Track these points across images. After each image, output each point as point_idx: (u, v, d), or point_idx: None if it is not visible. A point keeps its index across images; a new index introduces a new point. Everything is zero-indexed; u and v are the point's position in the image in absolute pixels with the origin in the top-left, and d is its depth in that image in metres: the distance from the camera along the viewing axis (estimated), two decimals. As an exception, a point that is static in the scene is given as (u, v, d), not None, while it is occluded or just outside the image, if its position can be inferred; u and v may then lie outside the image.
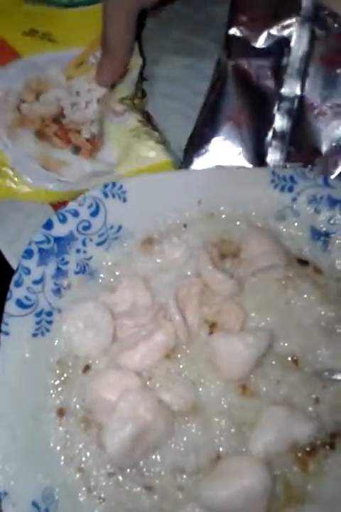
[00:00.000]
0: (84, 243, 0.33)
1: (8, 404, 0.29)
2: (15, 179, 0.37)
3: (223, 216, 0.35)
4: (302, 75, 0.34)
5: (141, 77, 0.40)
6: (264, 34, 0.35)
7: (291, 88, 0.35)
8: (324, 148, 0.35)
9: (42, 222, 0.32)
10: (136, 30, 0.37)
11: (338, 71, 0.35)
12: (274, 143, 0.35)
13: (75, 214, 0.32)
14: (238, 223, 0.34)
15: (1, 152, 0.37)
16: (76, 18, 0.39)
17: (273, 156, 0.35)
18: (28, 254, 0.31)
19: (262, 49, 0.35)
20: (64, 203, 0.34)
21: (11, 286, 0.31)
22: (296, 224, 0.34)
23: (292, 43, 0.35)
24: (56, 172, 0.38)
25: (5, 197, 0.38)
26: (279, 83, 0.35)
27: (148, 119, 0.39)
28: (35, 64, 0.39)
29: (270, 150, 0.35)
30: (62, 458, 0.30)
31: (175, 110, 0.40)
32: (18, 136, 0.38)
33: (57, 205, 0.36)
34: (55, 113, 0.39)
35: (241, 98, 0.35)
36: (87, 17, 0.39)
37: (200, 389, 0.32)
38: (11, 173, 0.37)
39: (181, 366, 0.32)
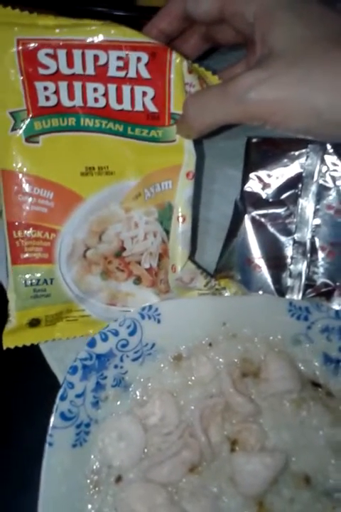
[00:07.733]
0: (121, 359, 0.36)
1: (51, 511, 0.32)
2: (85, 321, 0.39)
3: (244, 337, 0.38)
4: (312, 224, 0.39)
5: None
6: (275, 189, 0.40)
7: (303, 235, 0.39)
8: (337, 283, 0.39)
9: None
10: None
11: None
12: (291, 281, 0.39)
13: (116, 333, 0.36)
14: (258, 345, 0.38)
15: (74, 304, 0.39)
16: (131, 149, 0.37)
17: (290, 294, 0.39)
18: (73, 370, 0.34)
19: (275, 201, 0.40)
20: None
21: (57, 400, 0.34)
22: (310, 349, 0.38)
23: (300, 197, 0.40)
24: (122, 305, 0.39)
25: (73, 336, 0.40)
26: (292, 230, 0.40)
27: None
28: (96, 204, 0.37)
29: (288, 289, 0.39)
30: None
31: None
32: (86, 283, 0.38)
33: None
34: (116, 249, 0.38)
35: (259, 244, 0.39)
36: (143, 150, 0.37)
37: (221, 503, 0.34)
38: (82, 318, 0.39)
39: (204, 480, 0.34)
